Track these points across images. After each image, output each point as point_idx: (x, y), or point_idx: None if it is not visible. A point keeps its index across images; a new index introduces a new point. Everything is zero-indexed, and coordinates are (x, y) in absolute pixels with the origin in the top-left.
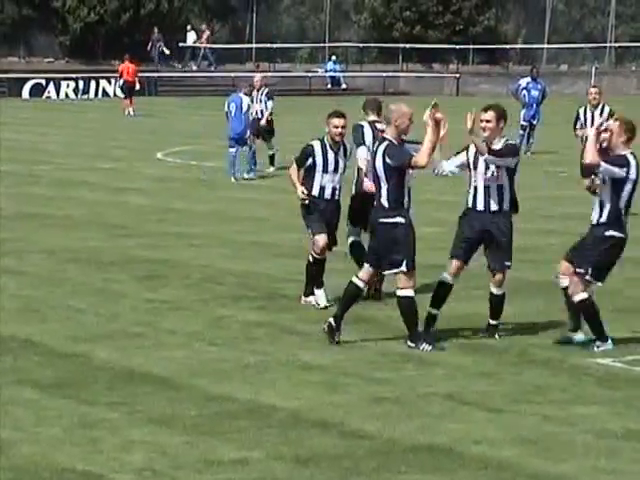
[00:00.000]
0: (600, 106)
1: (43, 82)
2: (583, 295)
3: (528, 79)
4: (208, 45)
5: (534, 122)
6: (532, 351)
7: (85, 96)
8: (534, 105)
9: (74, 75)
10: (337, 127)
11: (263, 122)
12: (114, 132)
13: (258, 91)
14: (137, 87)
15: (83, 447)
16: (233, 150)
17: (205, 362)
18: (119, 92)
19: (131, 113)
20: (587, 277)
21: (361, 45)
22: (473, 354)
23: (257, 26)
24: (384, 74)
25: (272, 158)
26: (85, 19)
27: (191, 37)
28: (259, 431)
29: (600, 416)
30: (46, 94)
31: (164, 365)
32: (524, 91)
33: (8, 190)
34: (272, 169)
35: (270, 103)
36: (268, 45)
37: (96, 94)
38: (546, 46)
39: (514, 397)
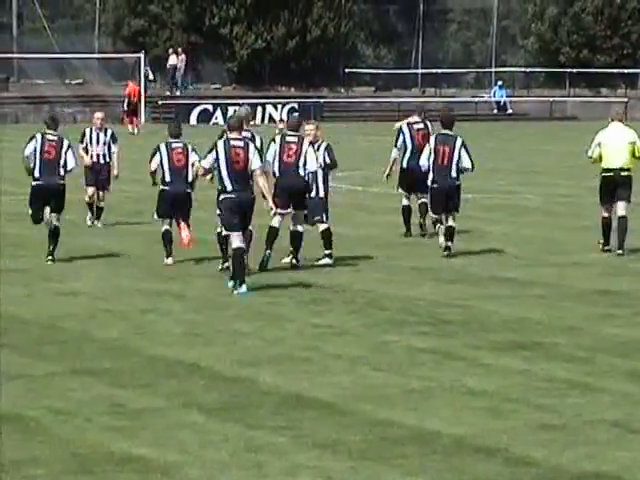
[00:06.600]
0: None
1: (210, 108)
2: None
3: None
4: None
5: None
6: None
7: (252, 122)
8: None
9: (241, 101)
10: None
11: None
12: None
13: (100, 131)
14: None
15: (249, 471)
16: None
17: (370, 387)
18: (285, 117)
19: (135, 132)
20: None
21: (528, 70)
22: None
23: (423, 51)
24: (551, 99)
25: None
26: (252, 46)
27: (172, 60)
28: (423, 457)
29: None
30: (214, 120)
31: (329, 390)
32: None
33: None
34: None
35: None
36: (434, 70)
37: (262, 120)
38: None
39: None
